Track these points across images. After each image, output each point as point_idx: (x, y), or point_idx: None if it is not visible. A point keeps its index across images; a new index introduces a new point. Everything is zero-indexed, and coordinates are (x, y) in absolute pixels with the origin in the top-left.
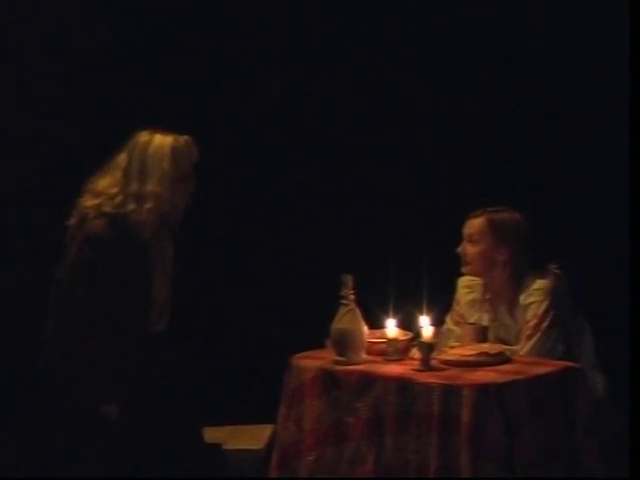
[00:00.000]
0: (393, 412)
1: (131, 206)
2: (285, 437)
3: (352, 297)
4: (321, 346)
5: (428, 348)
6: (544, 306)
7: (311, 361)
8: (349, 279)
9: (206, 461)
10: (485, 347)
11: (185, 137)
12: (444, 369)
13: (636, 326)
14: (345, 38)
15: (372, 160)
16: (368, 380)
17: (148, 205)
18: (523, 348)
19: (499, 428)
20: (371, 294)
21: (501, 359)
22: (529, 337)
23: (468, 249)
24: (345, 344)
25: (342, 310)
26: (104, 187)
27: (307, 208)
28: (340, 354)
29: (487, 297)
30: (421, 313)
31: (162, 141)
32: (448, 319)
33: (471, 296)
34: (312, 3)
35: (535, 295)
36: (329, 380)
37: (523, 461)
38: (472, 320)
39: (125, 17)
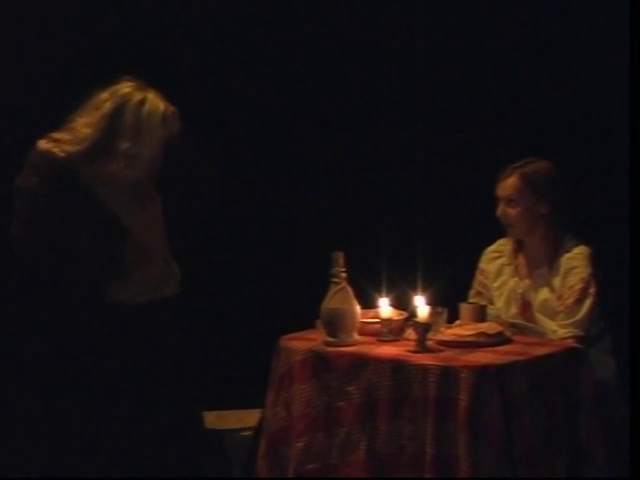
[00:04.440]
0: (387, 396)
1: (115, 163)
2: (273, 422)
3: (343, 275)
4: (311, 327)
5: (424, 328)
6: (589, 270)
7: (301, 343)
8: (340, 256)
9: (206, 444)
10: (484, 327)
11: (173, 107)
12: (441, 350)
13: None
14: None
15: (362, 135)
16: (360, 362)
17: (138, 166)
18: (572, 313)
19: (498, 412)
20: (363, 272)
21: (500, 339)
22: (578, 301)
23: (509, 211)
24: (336, 325)
25: (333, 289)
26: (81, 125)
27: (296, 183)
28: (331, 335)
29: (517, 262)
30: (416, 292)
31: (156, 105)
32: (471, 292)
33: (499, 261)
34: None
35: (579, 259)
36: (319, 362)
37: (523, 447)
38: (498, 283)
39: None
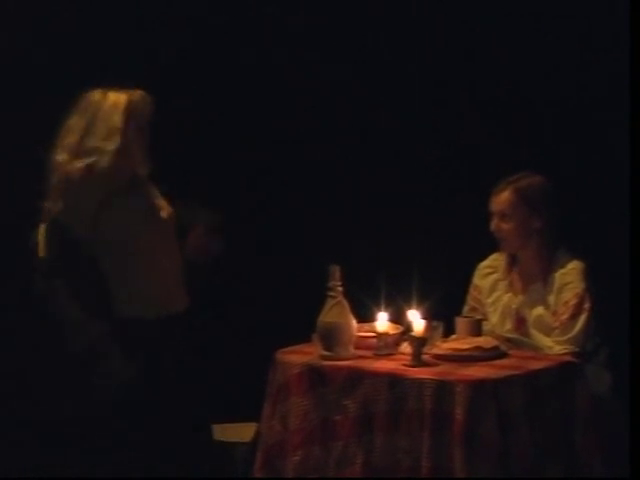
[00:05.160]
0: (383, 410)
1: (91, 159)
2: (270, 436)
3: (340, 289)
4: (307, 341)
5: (420, 342)
6: (583, 286)
7: (297, 356)
8: (336, 270)
9: (217, 456)
10: (480, 341)
11: (139, 91)
12: (437, 364)
13: (636, 324)
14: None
15: (360, 150)
16: (357, 376)
17: (106, 158)
18: (567, 329)
19: (494, 426)
20: (360, 286)
21: (497, 353)
22: (573, 317)
23: (502, 226)
24: (333, 338)
25: (329, 303)
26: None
27: (293, 197)
28: (327, 349)
29: (511, 277)
30: (412, 306)
31: (117, 98)
32: (465, 308)
33: (493, 277)
34: None
35: (572, 274)
36: (316, 376)
37: (519, 461)
38: (492, 299)
39: None
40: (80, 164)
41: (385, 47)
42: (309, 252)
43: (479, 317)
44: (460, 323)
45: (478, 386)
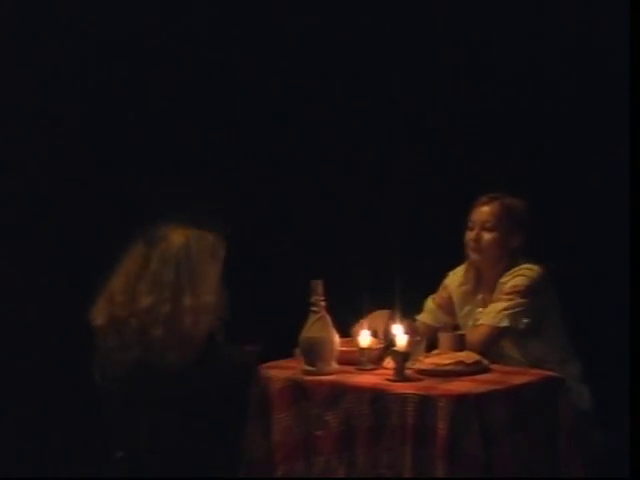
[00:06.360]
0: (365, 425)
1: (187, 319)
2: (253, 451)
3: (322, 304)
4: (290, 355)
5: (402, 357)
6: (524, 281)
7: (279, 371)
8: (319, 285)
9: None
10: (462, 356)
11: (213, 234)
12: (419, 379)
13: (635, 332)
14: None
15: (345, 163)
16: (339, 391)
17: (204, 317)
18: (486, 312)
19: (477, 441)
20: (342, 301)
21: (479, 368)
22: (497, 300)
23: (484, 236)
24: (315, 353)
25: (312, 318)
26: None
27: (276, 212)
28: (310, 364)
29: (481, 293)
30: (394, 321)
31: (202, 239)
32: (429, 300)
33: (463, 288)
34: None
35: (517, 279)
36: (298, 391)
37: (502, 475)
38: (464, 313)
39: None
40: None
41: (367, 57)
42: (291, 267)
43: (462, 332)
44: (443, 338)
45: (461, 401)
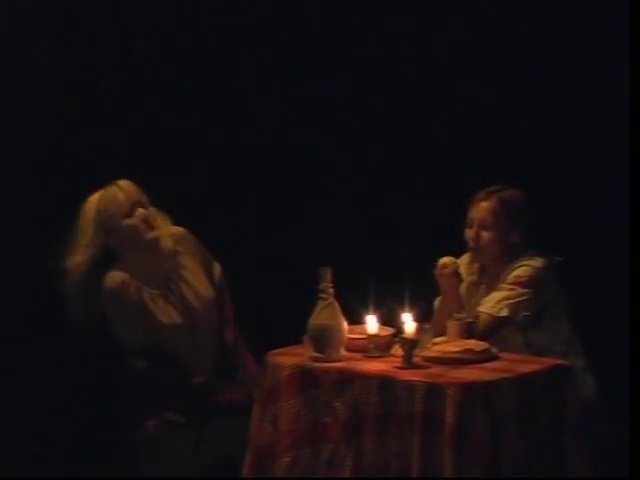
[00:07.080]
0: (373, 412)
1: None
2: (260, 438)
3: (331, 291)
4: (298, 342)
5: (411, 345)
6: (527, 272)
7: (288, 358)
8: (328, 272)
9: None
10: (471, 343)
11: (113, 188)
12: (427, 367)
13: (635, 327)
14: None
15: (351, 151)
16: (347, 378)
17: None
18: (486, 300)
19: (485, 429)
20: (351, 287)
21: (487, 356)
22: (498, 289)
23: (482, 234)
24: (323, 340)
25: (320, 304)
26: None
27: (284, 199)
28: (318, 351)
29: (485, 282)
30: (403, 308)
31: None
32: (437, 300)
33: (469, 279)
34: None
35: (521, 269)
36: (306, 378)
37: (510, 463)
38: (472, 303)
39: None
40: None
41: (367, 57)
42: (300, 254)
43: (470, 319)
44: (451, 326)
45: (469, 389)
